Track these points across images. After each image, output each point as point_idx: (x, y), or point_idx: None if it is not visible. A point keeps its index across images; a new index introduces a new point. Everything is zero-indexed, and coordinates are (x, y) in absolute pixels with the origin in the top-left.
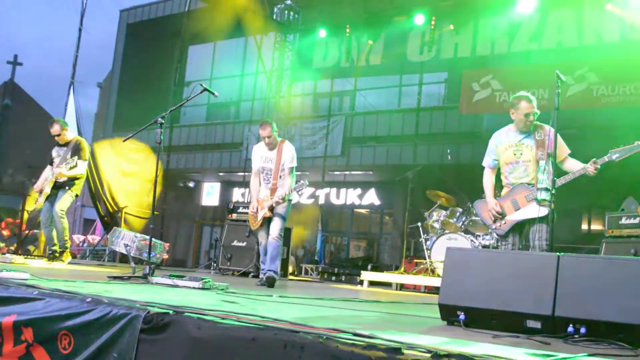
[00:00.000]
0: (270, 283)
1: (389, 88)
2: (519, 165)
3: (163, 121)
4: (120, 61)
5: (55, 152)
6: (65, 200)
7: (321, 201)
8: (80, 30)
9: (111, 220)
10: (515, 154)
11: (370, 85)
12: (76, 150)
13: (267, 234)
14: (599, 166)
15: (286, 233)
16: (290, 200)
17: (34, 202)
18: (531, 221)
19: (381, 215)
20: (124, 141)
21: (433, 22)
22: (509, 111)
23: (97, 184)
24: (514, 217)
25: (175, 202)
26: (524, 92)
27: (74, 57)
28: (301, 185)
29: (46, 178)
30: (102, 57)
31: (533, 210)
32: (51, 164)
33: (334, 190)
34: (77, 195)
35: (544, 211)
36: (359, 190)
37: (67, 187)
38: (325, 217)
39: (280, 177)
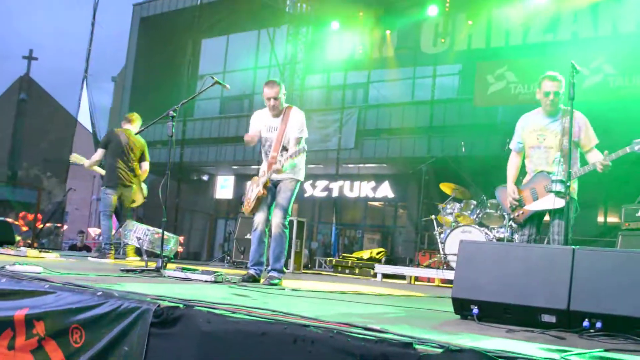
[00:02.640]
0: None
1: (402, 80)
2: (541, 150)
3: (175, 114)
4: (134, 55)
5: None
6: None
7: (335, 194)
8: (93, 24)
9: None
10: (538, 139)
11: (383, 77)
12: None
13: (265, 219)
14: (609, 162)
15: (299, 226)
16: (297, 181)
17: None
18: (552, 214)
19: (395, 207)
20: (136, 134)
21: (447, 7)
22: (536, 92)
23: None
24: (531, 207)
25: (190, 195)
26: (551, 72)
27: (87, 52)
28: (300, 150)
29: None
30: (116, 52)
31: (551, 202)
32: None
33: (347, 183)
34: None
35: (560, 203)
36: (372, 183)
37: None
38: (339, 210)
39: (283, 150)
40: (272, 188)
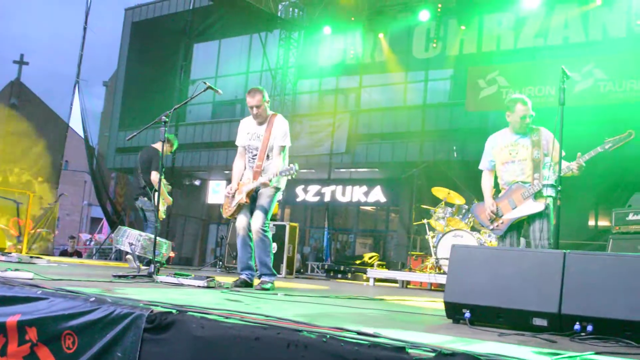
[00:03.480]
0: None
1: (394, 85)
2: (515, 164)
3: (167, 119)
4: (126, 60)
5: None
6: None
7: (327, 198)
8: (85, 29)
9: (117, 218)
10: (510, 153)
11: (375, 82)
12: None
13: (247, 223)
14: (583, 163)
15: (292, 231)
16: (277, 189)
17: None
18: (530, 219)
19: (387, 212)
20: (128, 139)
21: (439, 12)
22: (505, 114)
23: (102, 184)
24: (510, 215)
25: (182, 200)
26: (518, 94)
27: (78, 57)
28: (289, 169)
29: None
30: (108, 56)
31: (529, 207)
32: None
33: (339, 187)
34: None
35: (539, 207)
36: (364, 188)
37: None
38: (332, 214)
39: (267, 157)
40: (253, 194)
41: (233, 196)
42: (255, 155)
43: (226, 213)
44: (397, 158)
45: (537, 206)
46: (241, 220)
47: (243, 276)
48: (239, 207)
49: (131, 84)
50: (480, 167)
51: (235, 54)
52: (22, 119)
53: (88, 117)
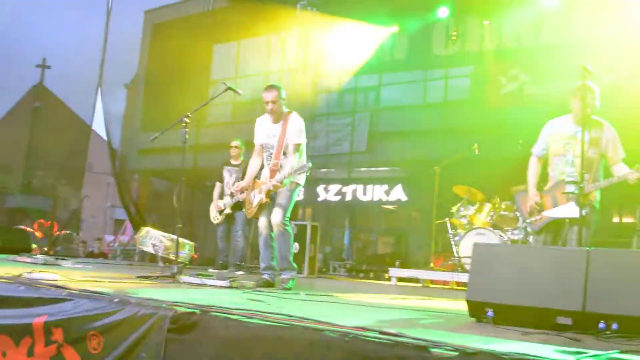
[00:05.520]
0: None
1: (414, 82)
2: (567, 159)
3: (188, 120)
4: (146, 62)
5: (226, 171)
6: (242, 221)
7: (348, 198)
8: (106, 31)
9: (140, 219)
10: (565, 147)
11: (395, 80)
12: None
13: (269, 223)
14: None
15: (313, 231)
16: (297, 185)
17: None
18: (571, 222)
19: (408, 211)
20: (150, 141)
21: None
22: (569, 100)
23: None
24: (550, 213)
25: (204, 200)
26: (588, 81)
27: (100, 59)
28: (303, 167)
29: (220, 197)
30: (129, 58)
31: (570, 210)
32: (221, 181)
33: (360, 186)
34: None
35: (582, 212)
36: (385, 186)
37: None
38: (353, 213)
39: (283, 155)
40: (272, 193)
41: (255, 196)
42: (272, 153)
43: (249, 213)
44: (418, 156)
45: (579, 211)
46: (263, 220)
47: (265, 276)
48: (261, 207)
49: (152, 86)
50: (532, 150)
51: (254, 54)
52: (46, 122)
53: (111, 120)
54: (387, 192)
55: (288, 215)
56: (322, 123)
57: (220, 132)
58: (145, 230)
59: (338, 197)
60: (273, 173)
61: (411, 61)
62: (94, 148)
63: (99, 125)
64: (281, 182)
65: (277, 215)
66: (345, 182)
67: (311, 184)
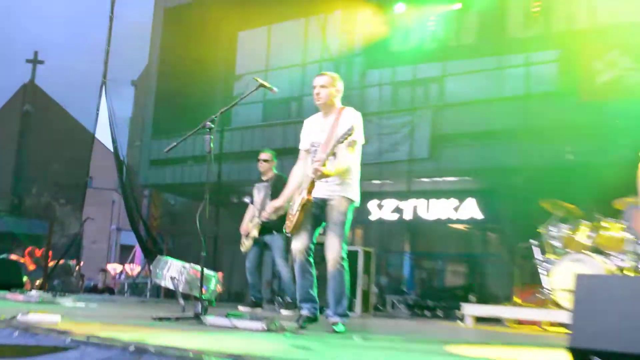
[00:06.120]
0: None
1: (486, 72)
2: None
3: (213, 125)
4: (158, 53)
5: (256, 189)
6: (280, 246)
7: (407, 216)
8: (111, 18)
9: (153, 245)
10: None
11: (462, 69)
12: (276, 190)
13: (306, 247)
14: None
15: (366, 258)
16: (351, 201)
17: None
18: None
19: (484, 231)
20: (166, 152)
21: None
22: None
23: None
24: None
25: (231, 221)
26: None
27: (105, 52)
28: (347, 132)
29: (250, 219)
30: (137, 50)
31: None
32: (252, 201)
33: (422, 201)
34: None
35: None
36: (454, 201)
37: (277, 230)
38: (414, 235)
39: (331, 153)
40: (316, 208)
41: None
42: (317, 151)
43: (289, 227)
44: (494, 163)
45: None
46: (299, 241)
47: (305, 311)
48: (303, 214)
49: (165, 83)
50: None
51: (288, 42)
52: (39, 129)
53: (117, 125)
54: (457, 209)
55: (345, 245)
56: (373, 124)
57: (249, 137)
58: (163, 260)
59: (395, 215)
60: (317, 172)
61: (482, 46)
62: (97, 159)
63: (102, 132)
64: (327, 172)
65: (332, 247)
66: (404, 196)
67: (361, 199)
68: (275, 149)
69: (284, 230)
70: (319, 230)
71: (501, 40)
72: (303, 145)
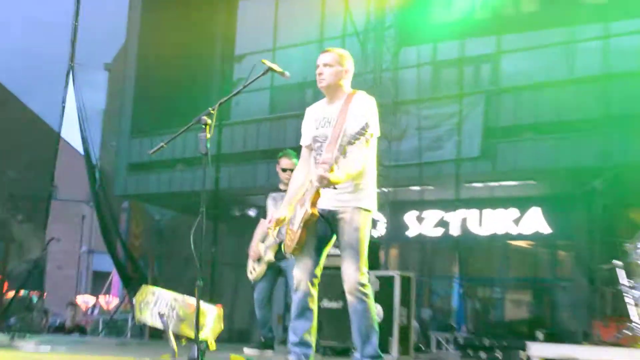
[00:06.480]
0: None
1: (554, 47)
2: None
3: (210, 120)
4: (138, 31)
5: (271, 200)
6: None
7: (455, 231)
8: None
9: (135, 271)
10: None
11: (523, 44)
12: None
13: (310, 273)
14: None
15: (404, 285)
16: (366, 211)
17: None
18: None
19: (553, 250)
20: (151, 153)
21: None
22: None
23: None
24: None
25: (231, 239)
26: None
27: (72, 29)
28: (361, 130)
29: (262, 239)
30: (111, 27)
31: None
32: (263, 215)
33: (473, 212)
34: None
35: None
36: (514, 212)
37: None
38: (464, 255)
39: (342, 152)
40: (322, 223)
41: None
42: (322, 147)
43: (289, 247)
44: (566, 162)
45: None
46: (302, 266)
47: (293, 356)
48: (306, 231)
49: (146, 67)
50: None
51: (301, 15)
52: None
53: (88, 120)
54: (518, 221)
55: (364, 268)
56: (411, 115)
57: (253, 133)
58: (150, 291)
59: (439, 231)
60: (322, 179)
61: (548, 14)
62: (63, 164)
63: (69, 130)
64: (336, 179)
65: (350, 272)
66: (450, 206)
67: (397, 210)
68: (285, 149)
69: (282, 250)
70: (327, 250)
71: (572, 7)
72: (304, 141)
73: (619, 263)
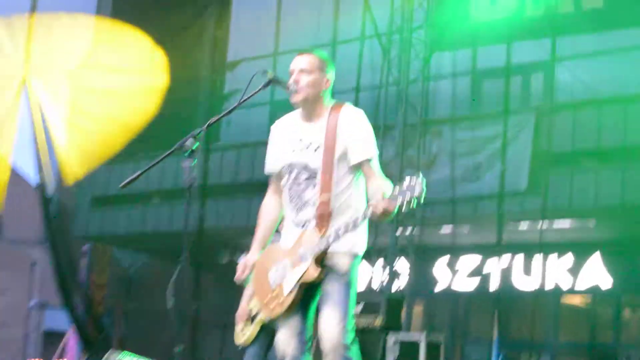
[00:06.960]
0: None
1: (622, 53)
2: None
3: (197, 144)
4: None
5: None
6: None
7: (494, 283)
8: None
9: (97, 331)
10: None
11: (583, 49)
12: None
13: (299, 339)
14: None
15: (431, 353)
16: (355, 256)
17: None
18: None
19: (617, 307)
20: (122, 186)
21: None
22: None
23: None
24: None
25: (217, 292)
26: None
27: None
28: (407, 190)
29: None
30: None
31: None
32: None
33: (518, 260)
34: None
35: None
36: (568, 259)
37: None
38: (506, 314)
39: (338, 188)
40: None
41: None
42: (307, 182)
43: (274, 312)
44: (635, 198)
45: None
46: (288, 328)
47: None
48: (297, 300)
49: None
50: None
51: (308, 12)
52: None
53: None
54: (573, 271)
55: (350, 321)
56: (443, 137)
57: (247, 159)
58: (115, 357)
59: (475, 282)
60: (323, 221)
61: (615, 11)
62: (10, 196)
63: (19, 153)
64: (391, 209)
65: (331, 325)
66: (490, 251)
67: (423, 257)
68: None
69: (263, 318)
70: (314, 305)
71: None
72: (272, 167)
73: None
